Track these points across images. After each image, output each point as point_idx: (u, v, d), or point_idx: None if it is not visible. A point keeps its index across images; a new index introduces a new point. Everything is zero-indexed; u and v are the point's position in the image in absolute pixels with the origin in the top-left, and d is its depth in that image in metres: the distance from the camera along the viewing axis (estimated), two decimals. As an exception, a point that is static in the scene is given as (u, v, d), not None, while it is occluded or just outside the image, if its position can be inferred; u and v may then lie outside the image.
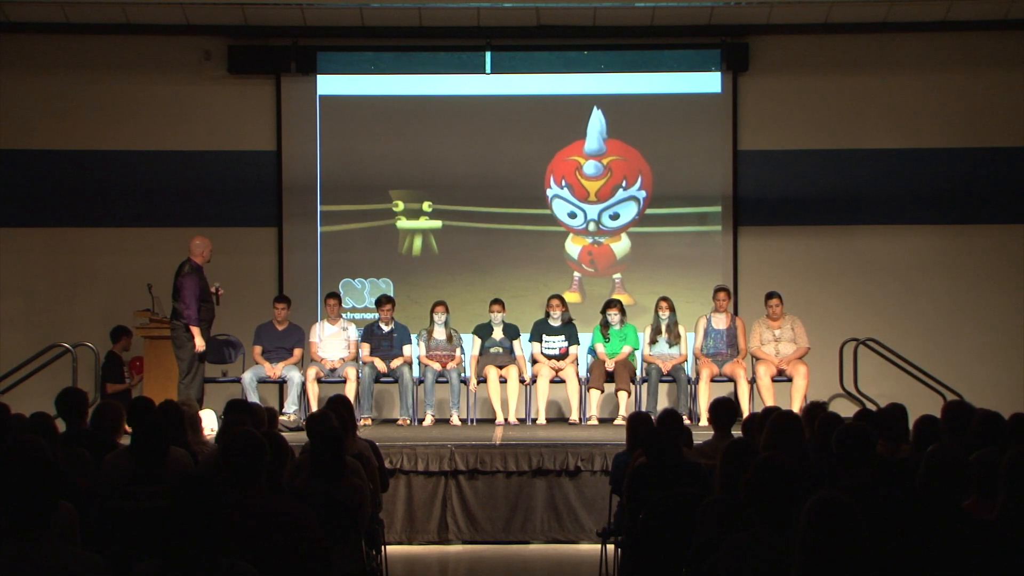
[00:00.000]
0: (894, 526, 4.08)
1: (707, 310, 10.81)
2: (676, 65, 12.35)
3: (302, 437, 6.67)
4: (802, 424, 5.62)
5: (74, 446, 6.10)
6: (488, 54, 12.26)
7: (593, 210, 12.33)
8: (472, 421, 10.62)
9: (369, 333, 10.80)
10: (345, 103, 12.40)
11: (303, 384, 10.33)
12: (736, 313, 11.35)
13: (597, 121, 12.30)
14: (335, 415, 6.53)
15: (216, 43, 12.23)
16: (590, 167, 12.30)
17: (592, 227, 12.33)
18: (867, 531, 3.52)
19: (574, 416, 10.51)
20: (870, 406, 9.66)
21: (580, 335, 10.85)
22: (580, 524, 8.89)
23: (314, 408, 10.11)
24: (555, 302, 10.79)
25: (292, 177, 12.30)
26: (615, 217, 12.31)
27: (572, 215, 12.34)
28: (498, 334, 10.75)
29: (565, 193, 12.31)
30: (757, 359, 10.50)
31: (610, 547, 6.77)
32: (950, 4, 11.78)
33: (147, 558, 3.67)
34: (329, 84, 12.38)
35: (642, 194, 12.32)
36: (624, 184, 12.31)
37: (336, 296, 10.97)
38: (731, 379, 10.44)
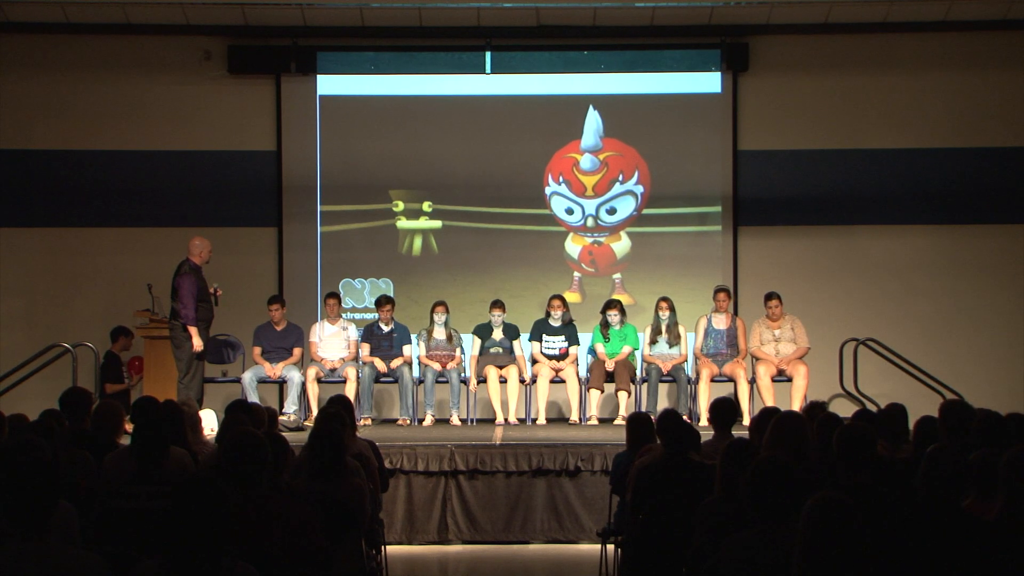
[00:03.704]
0: (894, 526, 4.08)
1: (707, 310, 10.81)
2: (676, 65, 12.35)
3: (302, 437, 6.67)
4: (806, 425, 5.61)
5: (75, 446, 6.11)
6: (488, 54, 12.26)
7: (590, 205, 12.33)
8: (472, 421, 10.62)
9: (369, 333, 10.81)
10: (345, 103, 12.40)
11: (303, 384, 10.34)
12: (736, 313, 11.34)
13: (593, 120, 12.31)
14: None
15: (216, 43, 12.23)
16: (586, 162, 12.31)
17: (590, 223, 12.33)
18: (867, 531, 3.52)
19: (574, 416, 10.51)
20: (870, 406, 9.66)
21: (580, 335, 10.85)
22: (580, 524, 8.88)
23: (314, 408, 10.11)
24: (556, 302, 10.79)
25: (292, 177, 12.30)
26: (612, 212, 12.31)
27: (569, 211, 12.34)
28: (498, 334, 10.75)
29: (563, 189, 12.32)
30: (757, 359, 10.50)
31: (610, 547, 6.77)
32: (950, 4, 11.78)
33: (147, 558, 3.67)
34: (329, 84, 12.38)
35: (640, 188, 12.32)
36: (621, 178, 12.31)
37: (336, 296, 10.97)
38: (731, 379, 10.44)
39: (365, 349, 10.71)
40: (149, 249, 11.92)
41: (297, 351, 10.61)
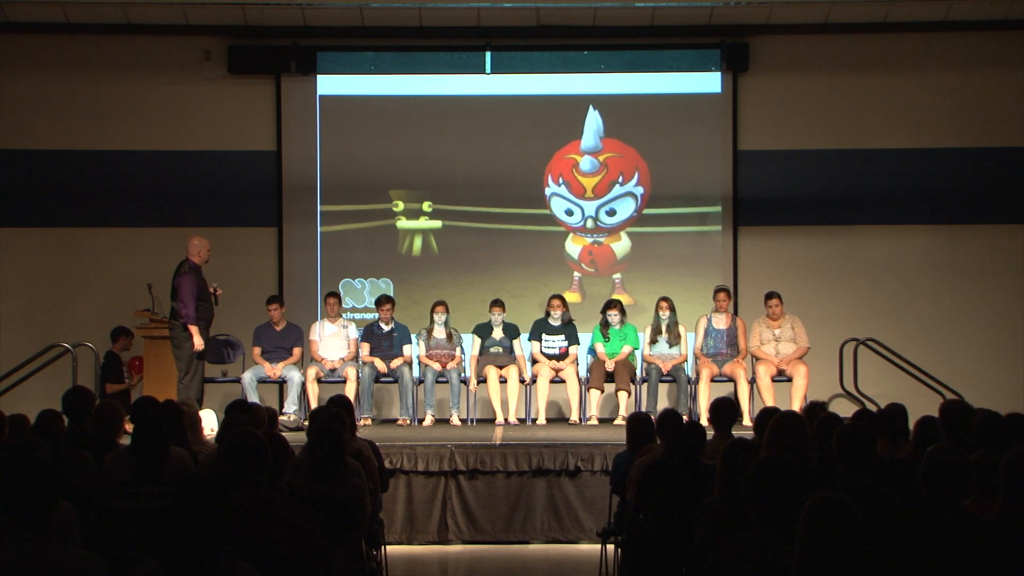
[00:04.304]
0: (894, 526, 4.08)
1: (707, 310, 10.81)
2: (676, 65, 12.35)
3: (302, 437, 6.67)
4: (804, 424, 5.61)
5: (75, 446, 6.11)
6: (488, 54, 12.26)
7: (590, 207, 12.33)
8: (472, 421, 10.62)
9: (369, 333, 10.80)
10: (345, 103, 12.40)
11: (303, 384, 10.34)
12: (736, 313, 11.34)
13: (593, 120, 12.31)
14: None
15: (216, 43, 12.23)
16: (586, 163, 12.32)
17: (590, 224, 12.33)
18: (867, 531, 3.52)
19: (574, 416, 10.51)
20: (870, 406, 9.66)
21: (580, 335, 10.85)
22: (580, 524, 8.89)
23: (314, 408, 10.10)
24: (556, 302, 10.79)
25: (292, 177, 12.30)
26: (612, 213, 12.32)
27: (569, 212, 12.34)
28: (498, 334, 10.75)
29: (562, 190, 12.32)
30: (757, 359, 10.50)
31: (610, 547, 6.77)
32: (950, 4, 11.78)
33: (147, 558, 3.67)
34: (329, 84, 12.38)
35: (640, 190, 12.32)
36: (621, 180, 12.31)
37: (336, 295, 10.97)
38: (731, 379, 10.44)
39: (365, 349, 10.71)
40: (149, 249, 11.92)
41: (297, 351, 10.61)
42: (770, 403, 9.78)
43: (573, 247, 12.39)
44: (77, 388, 7.22)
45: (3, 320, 12.24)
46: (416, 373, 10.72)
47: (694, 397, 10.42)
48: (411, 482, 8.92)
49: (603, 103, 12.33)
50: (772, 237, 12.34)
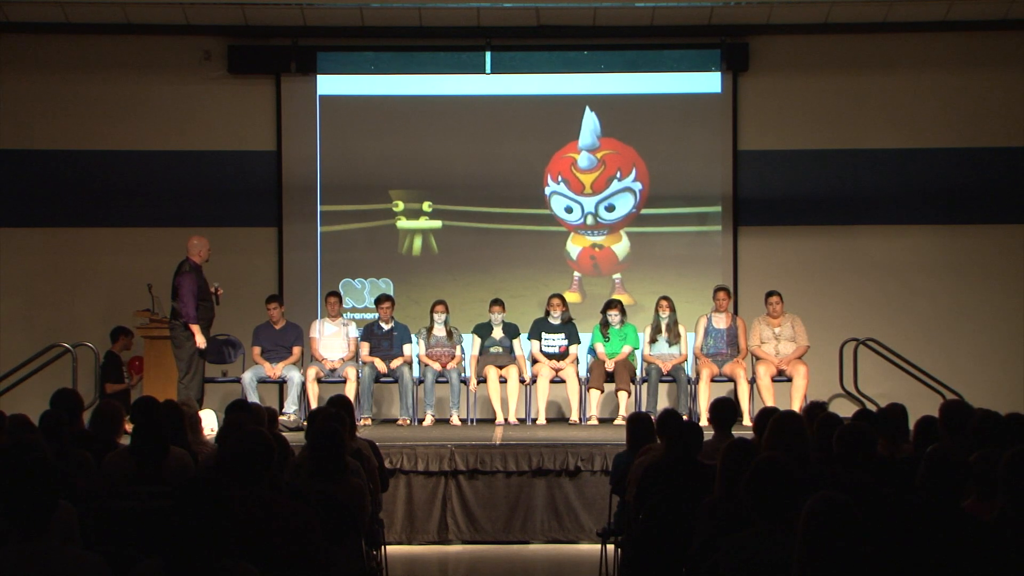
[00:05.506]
0: (894, 526, 4.08)
1: (707, 310, 10.81)
2: (676, 65, 12.35)
3: (302, 437, 6.68)
4: (804, 424, 5.61)
5: (74, 446, 6.11)
6: (488, 54, 12.26)
7: (589, 203, 12.33)
8: (472, 421, 10.62)
9: (369, 332, 10.80)
10: (345, 103, 12.40)
11: (303, 384, 10.33)
12: (736, 313, 11.34)
13: (590, 120, 12.31)
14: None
15: (216, 43, 12.23)
16: (584, 160, 12.32)
17: (590, 220, 12.33)
18: (867, 531, 3.52)
19: (574, 416, 10.51)
20: (870, 406, 9.66)
21: (580, 335, 10.85)
22: (580, 524, 8.89)
23: (314, 408, 10.10)
24: (556, 301, 10.79)
25: (292, 177, 12.30)
26: (611, 209, 12.31)
27: (569, 209, 12.34)
28: (498, 333, 10.75)
29: (561, 188, 12.33)
30: (757, 359, 10.50)
31: (610, 547, 6.78)
32: (950, 4, 11.78)
33: (147, 558, 3.67)
34: (329, 84, 12.38)
35: (638, 186, 12.32)
36: (619, 175, 12.31)
37: (337, 295, 10.97)
38: (731, 379, 10.44)
39: (365, 348, 10.71)
40: (149, 249, 11.92)
41: (296, 350, 10.60)
42: (770, 403, 9.78)
43: (574, 248, 12.39)
44: (63, 391, 7.16)
45: (3, 320, 12.24)
46: (416, 373, 10.72)
47: (694, 397, 10.42)
48: (411, 482, 8.92)
49: (603, 103, 12.33)
50: (772, 237, 12.34)
